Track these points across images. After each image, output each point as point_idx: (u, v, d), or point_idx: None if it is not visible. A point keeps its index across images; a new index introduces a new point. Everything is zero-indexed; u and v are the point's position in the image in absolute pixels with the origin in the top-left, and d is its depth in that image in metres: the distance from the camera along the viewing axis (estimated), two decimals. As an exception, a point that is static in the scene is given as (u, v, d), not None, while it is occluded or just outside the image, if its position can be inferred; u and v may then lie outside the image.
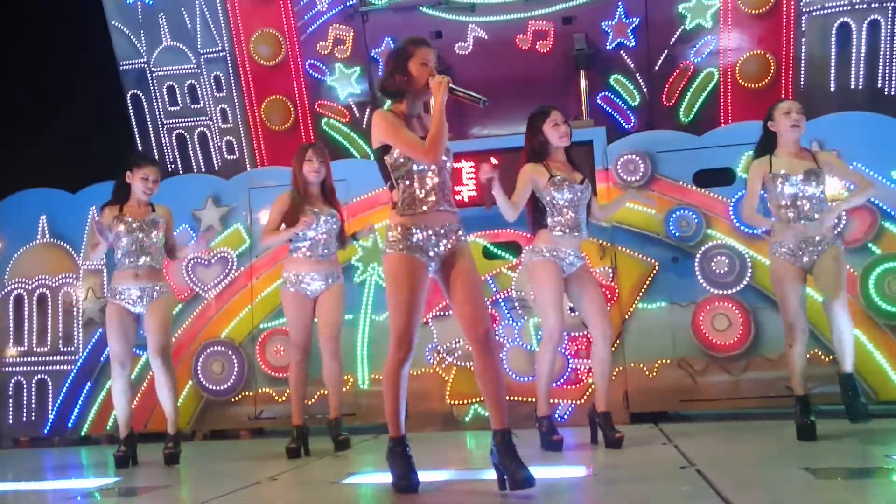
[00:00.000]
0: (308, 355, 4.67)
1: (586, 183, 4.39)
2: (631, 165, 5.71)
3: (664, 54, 7.20)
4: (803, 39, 6.75)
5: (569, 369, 5.61)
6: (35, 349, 6.47)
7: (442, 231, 3.21)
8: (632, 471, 3.57)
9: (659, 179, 5.70)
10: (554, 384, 5.53)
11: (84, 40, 8.44)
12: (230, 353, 6.12)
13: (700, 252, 5.55)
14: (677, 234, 5.61)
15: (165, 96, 7.86)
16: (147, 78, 7.87)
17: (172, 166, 7.75)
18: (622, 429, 4.36)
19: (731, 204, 5.54)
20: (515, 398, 5.50)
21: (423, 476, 3.26)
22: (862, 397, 4.04)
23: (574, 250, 4.32)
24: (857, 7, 6.54)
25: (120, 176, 4.77)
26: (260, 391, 6.07)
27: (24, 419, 6.40)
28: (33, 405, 6.40)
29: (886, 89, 6.59)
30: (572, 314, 5.17)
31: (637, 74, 7.28)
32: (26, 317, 6.50)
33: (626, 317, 5.59)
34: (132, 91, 7.95)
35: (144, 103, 7.93)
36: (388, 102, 3.37)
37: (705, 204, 5.62)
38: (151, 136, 7.94)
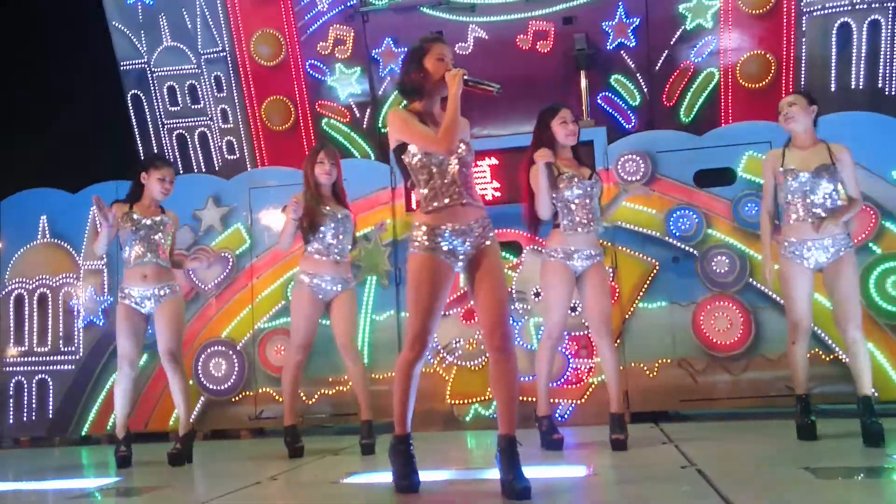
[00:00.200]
0: (306, 357, 4.66)
1: (595, 178, 4.37)
2: (631, 165, 5.71)
3: (664, 54, 7.20)
4: (804, 39, 6.75)
5: (569, 369, 5.61)
6: (35, 349, 6.47)
7: (468, 228, 3.14)
8: (632, 471, 3.58)
9: (659, 179, 5.70)
10: (554, 384, 5.55)
11: (84, 40, 8.45)
12: (231, 353, 6.13)
13: (700, 252, 5.56)
14: (678, 234, 5.61)
15: (166, 96, 7.87)
16: (147, 78, 7.88)
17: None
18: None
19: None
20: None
21: (424, 476, 3.26)
22: (877, 419, 3.82)
23: (588, 247, 4.28)
24: (857, 7, 6.55)
25: (135, 177, 4.76)
26: (260, 391, 6.08)
27: (25, 419, 6.41)
28: (34, 405, 6.41)
29: (887, 89, 6.59)
30: (573, 314, 5.17)
31: (637, 74, 7.28)
32: (27, 317, 6.51)
33: (627, 316, 5.59)
34: (132, 91, 7.96)
35: (145, 103, 7.93)
36: (404, 103, 3.33)
37: (706, 204, 5.62)
38: (152, 136, 7.95)
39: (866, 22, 6.53)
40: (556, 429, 4.32)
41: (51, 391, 6.39)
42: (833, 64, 6.62)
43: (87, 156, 8.28)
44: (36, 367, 6.44)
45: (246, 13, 7.62)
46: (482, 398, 5.73)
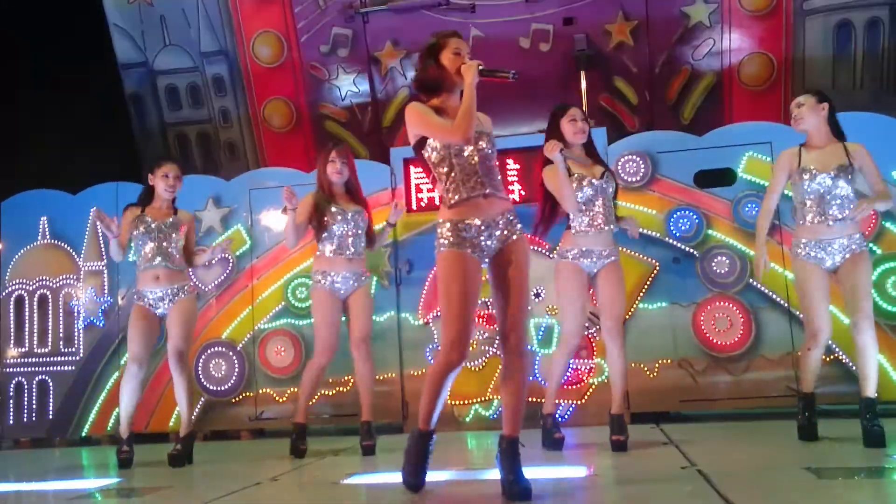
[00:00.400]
0: (331, 360, 4.59)
1: (606, 176, 4.33)
2: (632, 166, 5.71)
3: (665, 55, 7.20)
4: (803, 40, 6.75)
5: (569, 370, 5.60)
6: (36, 350, 6.47)
7: (493, 221, 3.08)
8: (633, 471, 3.58)
9: (659, 180, 5.70)
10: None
11: (84, 40, 8.45)
12: (231, 353, 6.13)
13: (701, 252, 5.55)
14: (678, 235, 5.61)
15: (167, 97, 7.87)
16: (148, 79, 7.88)
17: (173, 167, 7.75)
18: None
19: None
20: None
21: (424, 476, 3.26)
22: (880, 422, 3.79)
23: (602, 247, 4.24)
24: (857, 7, 6.55)
25: (145, 181, 4.77)
26: (261, 392, 6.08)
27: (25, 420, 6.41)
28: (34, 406, 6.41)
29: (887, 89, 6.60)
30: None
31: (638, 75, 7.28)
32: (27, 318, 6.51)
33: (627, 317, 5.58)
34: (133, 91, 7.96)
35: (145, 104, 7.93)
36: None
37: (706, 204, 5.62)
38: (152, 136, 7.95)
39: (866, 22, 6.53)
40: (558, 428, 4.31)
41: (51, 392, 6.39)
42: (833, 64, 6.62)
43: (88, 157, 8.27)
44: (36, 368, 6.44)
45: (247, 14, 7.63)
46: (483, 399, 5.73)
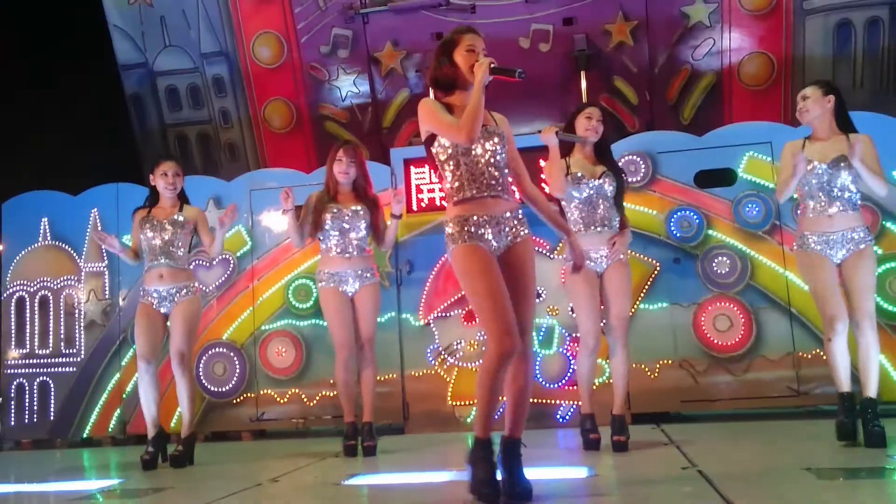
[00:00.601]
0: (353, 352, 4.61)
1: (604, 177, 4.31)
2: (632, 166, 5.71)
3: (665, 55, 7.20)
4: (803, 39, 6.75)
5: (570, 370, 5.60)
6: (37, 351, 6.48)
7: (500, 217, 3.05)
8: (633, 471, 3.58)
9: (660, 180, 5.70)
10: (555, 385, 5.55)
11: (84, 41, 8.45)
12: (232, 354, 6.14)
13: (701, 253, 5.56)
14: (678, 235, 5.61)
15: (167, 98, 7.87)
16: (148, 79, 7.88)
17: (173, 168, 7.75)
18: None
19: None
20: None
21: (425, 477, 3.26)
22: (880, 422, 3.77)
23: (604, 246, 4.24)
24: (857, 7, 6.55)
25: (146, 182, 4.78)
26: (261, 393, 6.08)
27: (26, 421, 6.41)
28: (35, 407, 6.41)
29: (887, 89, 6.60)
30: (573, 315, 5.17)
31: (638, 75, 7.28)
32: (28, 319, 6.52)
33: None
34: (133, 92, 7.96)
35: (146, 105, 7.94)
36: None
37: (706, 204, 5.62)
38: (153, 137, 7.95)
39: (866, 22, 6.53)
40: (595, 428, 4.26)
41: (52, 393, 6.39)
42: (833, 64, 6.62)
43: (88, 158, 8.28)
44: (37, 370, 6.45)
45: (247, 15, 7.63)
46: (483, 399, 5.71)
